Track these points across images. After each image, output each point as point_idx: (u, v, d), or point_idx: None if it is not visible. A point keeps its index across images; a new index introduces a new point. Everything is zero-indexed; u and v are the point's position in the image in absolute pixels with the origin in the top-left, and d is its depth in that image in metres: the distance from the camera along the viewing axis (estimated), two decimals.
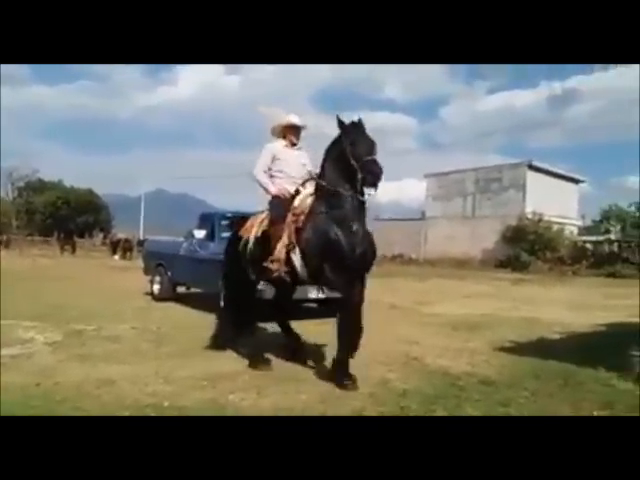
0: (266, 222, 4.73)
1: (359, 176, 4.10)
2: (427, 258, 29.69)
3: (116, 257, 29.41)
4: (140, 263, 11.65)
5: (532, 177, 29.16)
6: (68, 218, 58.90)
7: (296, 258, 4.36)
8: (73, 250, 33.81)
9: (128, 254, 29.38)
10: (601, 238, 26.80)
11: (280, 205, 4.64)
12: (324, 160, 4.50)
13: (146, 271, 10.59)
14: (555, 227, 27.30)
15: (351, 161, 4.12)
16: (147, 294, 10.12)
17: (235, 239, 5.10)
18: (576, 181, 33.44)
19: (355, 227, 4.20)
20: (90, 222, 62.52)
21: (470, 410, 3.58)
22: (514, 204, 28.93)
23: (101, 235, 59.06)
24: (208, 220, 8.92)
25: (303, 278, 4.52)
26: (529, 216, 27.34)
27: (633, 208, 25.14)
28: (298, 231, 4.35)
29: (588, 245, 27.53)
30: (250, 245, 4.76)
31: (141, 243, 26.51)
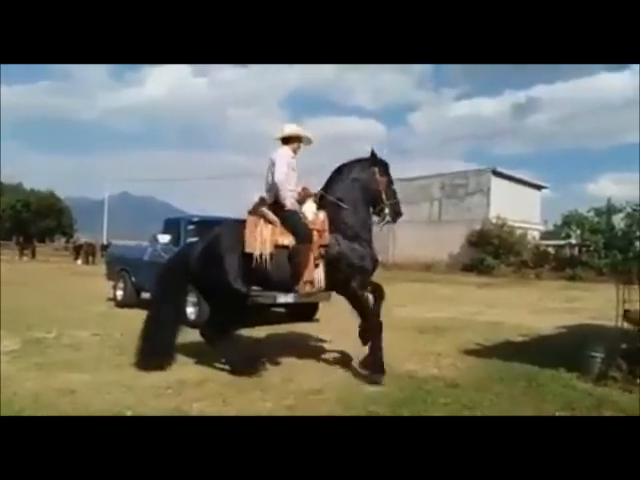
0: (279, 236, 4.57)
1: (386, 211, 4.87)
2: (395, 262, 29.97)
3: (79, 262, 28.71)
4: (103, 268, 11.38)
5: (496, 183, 29.81)
6: (28, 222, 57.24)
7: (318, 272, 4.61)
8: (33, 255, 32.85)
9: (91, 259, 28.73)
10: (562, 242, 27.52)
11: (303, 223, 4.64)
12: (342, 179, 4.85)
13: (109, 276, 10.35)
14: (518, 232, 27.95)
15: (383, 196, 4.85)
16: (110, 300, 9.89)
17: (229, 253, 4.61)
18: (538, 187, 34.35)
19: (369, 245, 4.83)
20: (52, 226, 60.90)
21: (437, 414, 3.61)
22: (479, 209, 29.53)
23: (63, 239, 57.60)
24: (174, 225, 8.76)
25: (319, 289, 4.73)
26: (493, 221, 27.93)
27: (592, 213, 25.89)
28: (321, 247, 4.60)
29: (550, 249, 28.27)
30: (267, 261, 4.51)
31: (104, 248, 25.96)
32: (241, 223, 4.79)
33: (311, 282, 4.58)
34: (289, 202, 4.69)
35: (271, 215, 4.66)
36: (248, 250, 4.53)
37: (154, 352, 4.69)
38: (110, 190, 54.89)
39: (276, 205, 4.72)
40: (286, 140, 4.92)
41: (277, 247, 4.55)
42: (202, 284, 5.00)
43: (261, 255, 4.50)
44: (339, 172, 4.94)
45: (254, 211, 4.80)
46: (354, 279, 4.65)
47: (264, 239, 4.54)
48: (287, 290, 5.09)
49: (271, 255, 4.52)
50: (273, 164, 4.75)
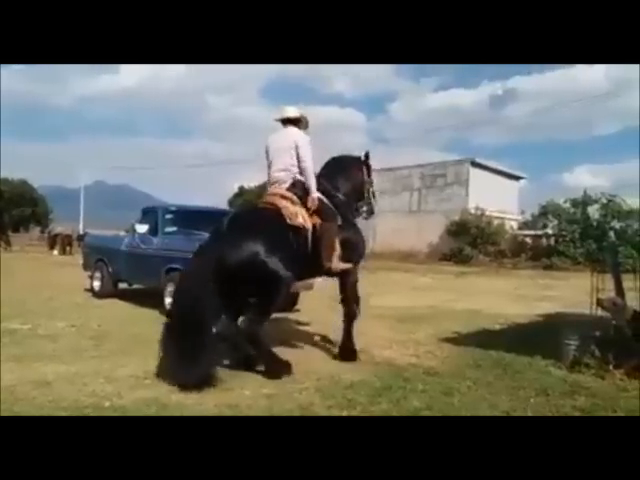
0: (307, 214, 4.60)
1: (364, 208, 5.64)
2: (374, 252, 30.11)
3: (55, 252, 28.18)
4: (80, 258, 11.21)
5: (475, 173, 30.04)
6: (2, 211, 55.98)
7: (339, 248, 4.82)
8: (7, 245, 32.15)
9: (67, 249, 28.23)
10: (539, 232, 27.90)
11: (326, 203, 4.84)
12: (338, 174, 5.30)
13: (86, 267, 10.20)
14: (496, 222, 28.28)
15: (366, 195, 5.57)
16: (87, 290, 9.75)
17: (276, 227, 4.40)
18: (516, 178, 34.70)
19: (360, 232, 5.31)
20: (26, 215, 59.67)
21: (415, 401, 3.65)
22: (458, 199, 29.75)
23: (38, 229, 56.51)
24: (151, 214, 8.64)
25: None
26: (472, 211, 28.21)
27: (568, 204, 26.28)
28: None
29: (527, 239, 28.67)
30: (310, 238, 4.58)
31: (81, 237, 25.55)
32: (251, 212, 5.03)
33: (339, 257, 4.71)
34: (315, 186, 4.77)
35: (294, 197, 4.65)
36: (294, 224, 4.45)
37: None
38: (86, 179, 53.99)
39: (295, 187, 4.72)
40: (290, 122, 4.90)
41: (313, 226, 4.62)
42: (247, 280, 4.22)
43: (304, 231, 4.53)
44: (336, 165, 5.39)
45: (274, 193, 4.74)
46: (354, 260, 4.98)
47: (304, 216, 4.56)
48: (315, 271, 4.92)
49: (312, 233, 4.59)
50: (296, 147, 4.73)
